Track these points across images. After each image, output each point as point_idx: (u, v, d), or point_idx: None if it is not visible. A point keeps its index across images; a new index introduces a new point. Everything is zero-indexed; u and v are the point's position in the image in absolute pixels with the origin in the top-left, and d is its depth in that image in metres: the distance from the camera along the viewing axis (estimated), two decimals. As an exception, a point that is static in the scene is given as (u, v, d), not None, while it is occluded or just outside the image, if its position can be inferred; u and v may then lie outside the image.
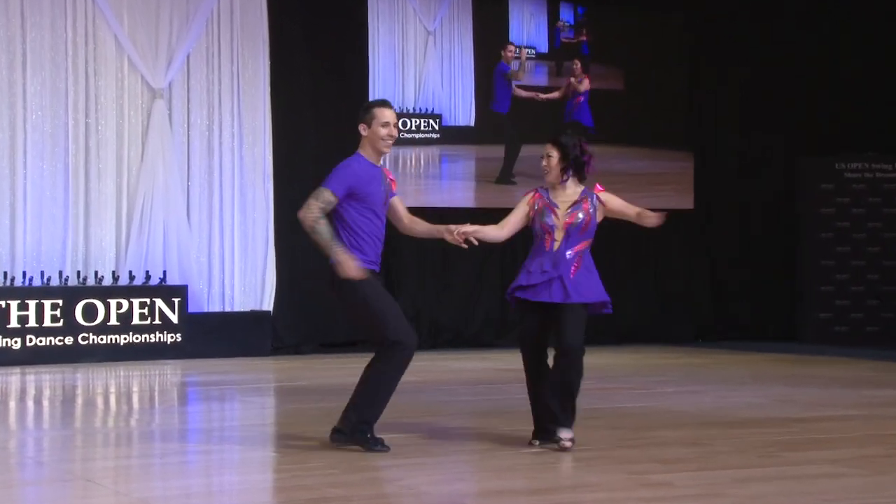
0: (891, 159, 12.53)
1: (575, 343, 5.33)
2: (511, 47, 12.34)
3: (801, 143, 12.60)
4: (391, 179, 5.46)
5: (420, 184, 11.98)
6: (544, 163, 5.48)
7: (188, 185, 10.97)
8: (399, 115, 11.65)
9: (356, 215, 5.26)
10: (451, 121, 11.99)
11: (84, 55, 10.63)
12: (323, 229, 5.18)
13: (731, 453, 5.37)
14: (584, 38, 12.52)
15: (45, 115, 10.51)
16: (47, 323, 10.16)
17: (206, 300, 10.99)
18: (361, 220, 5.27)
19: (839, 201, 12.38)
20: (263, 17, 11.18)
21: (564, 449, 5.30)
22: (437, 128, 11.90)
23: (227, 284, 11.06)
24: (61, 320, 10.20)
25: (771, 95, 12.66)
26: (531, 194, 5.55)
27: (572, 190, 5.50)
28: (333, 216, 5.28)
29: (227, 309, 11.04)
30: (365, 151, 5.36)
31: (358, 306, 5.26)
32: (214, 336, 10.67)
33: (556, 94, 12.48)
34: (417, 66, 11.95)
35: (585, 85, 12.40)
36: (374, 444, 5.27)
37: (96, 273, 10.57)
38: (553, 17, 12.42)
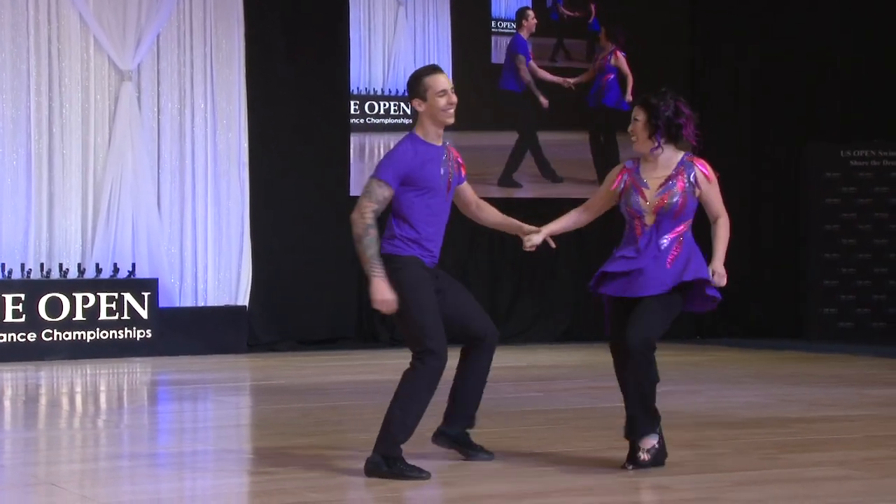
0: (899, 146, 12.60)
1: (634, 342, 4.79)
2: (531, 14, 11.69)
3: (806, 130, 12.64)
4: (459, 163, 5.06)
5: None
6: (630, 128, 4.96)
7: (158, 173, 10.95)
8: (364, 98, 11.62)
9: (413, 203, 4.89)
10: None
11: (47, 34, 10.59)
12: (369, 242, 4.82)
13: (731, 455, 5.41)
14: (591, 9, 11.96)
15: (6, 98, 10.47)
16: (8, 318, 10.14)
17: (177, 294, 10.97)
18: (419, 209, 4.90)
19: (845, 191, 12.43)
20: (238, -6, 11.16)
21: (641, 463, 4.92)
22: (409, 112, 11.17)
23: (199, 278, 11.06)
24: (23, 315, 10.17)
25: (774, 81, 12.70)
26: (618, 170, 5.04)
27: (667, 161, 4.93)
28: (390, 205, 4.95)
29: (200, 304, 11.03)
30: (422, 129, 4.97)
31: (399, 309, 4.93)
32: (187, 332, 10.66)
33: (583, 78, 11.95)
34: (386, 41, 11.53)
35: (619, 61, 11.86)
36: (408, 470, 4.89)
37: (61, 266, 10.54)
38: None
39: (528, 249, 5.14)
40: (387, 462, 4.89)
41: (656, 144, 4.93)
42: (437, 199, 4.96)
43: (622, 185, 5.00)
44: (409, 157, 4.91)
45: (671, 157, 4.97)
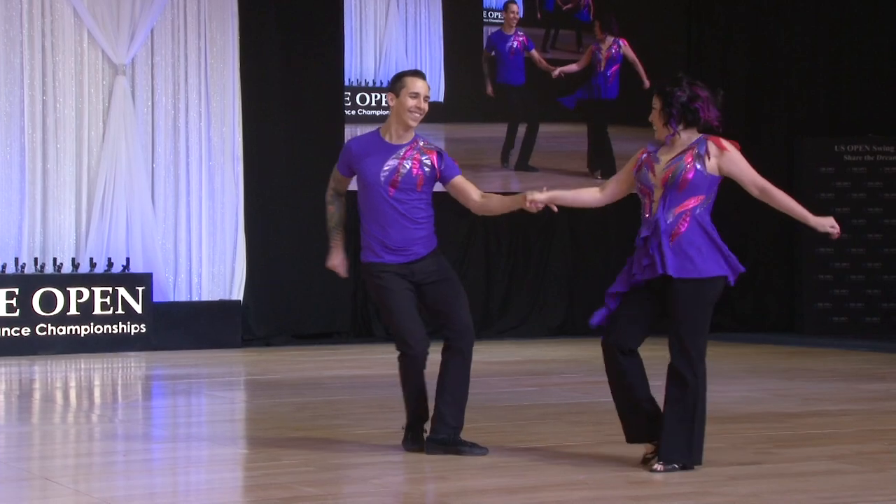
0: (892, 141, 12.60)
1: (683, 360, 4.73)
2: (514, 8, 11.76)
3: (800, 125, 12.65)
4: (436, 159, 5.20)
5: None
6: (650, 117, 4.94)
7: (153, 168, 10.93)
8: (356, 90, 11.61)
9: (361, 198, 5.24)
10: None
11: (41, 28, 10.56)
12: (329, 214, 5.38)
13: (725, 450, 5.41)
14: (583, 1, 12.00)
15: (0, 92, 10.45)
16: (2, 313, 10.12)
17: (171, 289, 10.96)
18: (365, 205, 5.22)
19: (838, 185, 12.44)
20: (232, -12, 11.13)
21: (652, 469, 4.84)
22: None
23: (194, 272, 11.04)
24: (17, 310, 10.16)
25: (768, 76, 12.71)
26: (638, 152, 4.98)
27: (683, 143, 4.87)
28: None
29: (195, 298, 11.02)
30: (386, 126, 5.27)
31: (380, 311, 5.44)
32: (181, 327, 10.65)
33: (573, 67, 11.99)
34: (378, 32, 11.53)
35: (627, 49, 11.85)
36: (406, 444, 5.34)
37: (55, 260, 10.52)
38: None
39: (528, 207, 5.04)
40: (406, 428, 5.35)
41: (672, 132, 4.87)
42: (375, 194, 5.17)
43: (639, 164, 4.95)
44: (352, 148, 5.30)
45: (689, 138, 4.90)
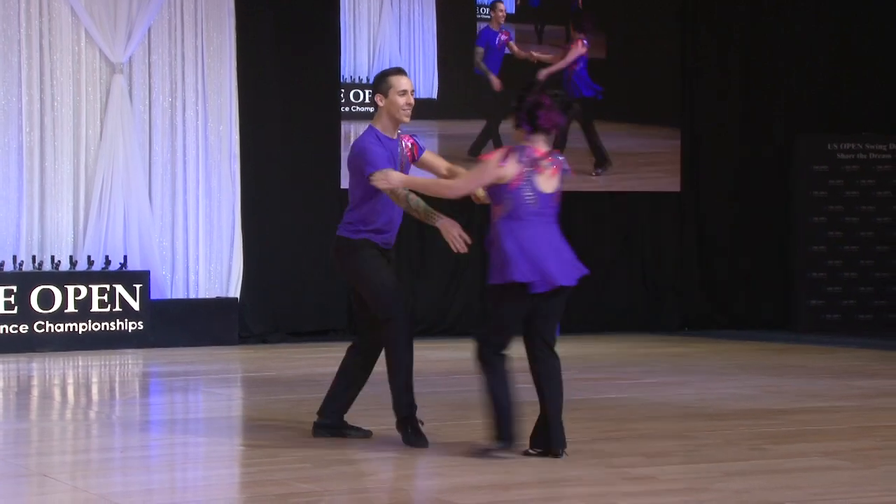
0: (885, 139, 12.62)
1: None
2: (501, 6, 11.77)
3: (794, 123, 12.67)
4: (412, 144, 5.50)
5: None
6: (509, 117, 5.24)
7: (150, 166, 10.93)
8: (350, 86, 11.62)
9: (373, 192, 5.34)
10: None
11: (38, 27, 10.56)
12: (415, 203, 5.27)
13: (718, 446, 5.43)
14: None
15: (-2, 90, 10.45)
16: (0, 310, 10.12)
17: (169, 286, 10.97)
18: (377, 198, 5.37)
19: (832, 183, 12.46)
20: (229, -13, 11.13)
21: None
22: None
23: (191, 270, 11.05)
24: (16, 307, 10.16)
25: (762, 75, 12.72)
26: None
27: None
28: (350, 192, 5.45)
29: (192, 296, 11.03)
30: (380, 123, 5.43)
31: (359, 283, 5.44)
32: (178, 324, 10.66)
33: (553, 68, 11.82)
34: (371, 29, 11.52)
35: (579, 49, 11.87)
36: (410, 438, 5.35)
37: (53, 258, 10.52)
38: None
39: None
40: (402, 423, 5.30)
41: (525, 133, 5.06)
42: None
43: None
44: (380, 147, 5.37)
45: (529, 143, 5.09)
